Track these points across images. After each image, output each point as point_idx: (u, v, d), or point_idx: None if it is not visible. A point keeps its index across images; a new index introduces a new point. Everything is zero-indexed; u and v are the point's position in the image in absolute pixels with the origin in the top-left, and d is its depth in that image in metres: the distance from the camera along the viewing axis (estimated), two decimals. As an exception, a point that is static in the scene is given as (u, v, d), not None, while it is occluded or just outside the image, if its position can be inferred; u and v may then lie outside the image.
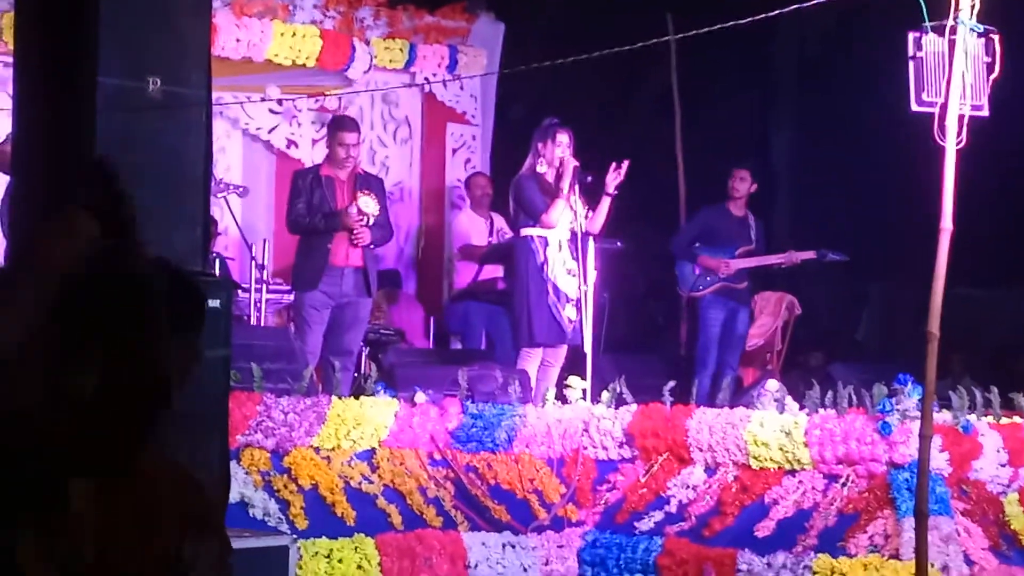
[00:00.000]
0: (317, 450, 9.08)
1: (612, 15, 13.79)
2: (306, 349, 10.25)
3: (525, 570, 9.29)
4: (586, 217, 10.73)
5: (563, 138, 10.68)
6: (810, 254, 12.41)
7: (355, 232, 10.48)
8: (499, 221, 12.57)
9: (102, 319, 2.41)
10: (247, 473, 8.70)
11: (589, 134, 11.59)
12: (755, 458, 9.40)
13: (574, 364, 10.76)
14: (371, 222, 10.61)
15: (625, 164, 10.65)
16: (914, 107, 7.95)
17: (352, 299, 10.59)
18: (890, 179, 14.92)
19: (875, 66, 10.73)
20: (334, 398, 9.28)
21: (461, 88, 13.77)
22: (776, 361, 13.15)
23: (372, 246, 10.71)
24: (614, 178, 10.68)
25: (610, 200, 10.71)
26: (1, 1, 11.07)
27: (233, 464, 8.36)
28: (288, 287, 11.41)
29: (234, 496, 8.33)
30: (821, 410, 9.43)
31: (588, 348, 10.60)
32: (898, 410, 9.01)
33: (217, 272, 10.70)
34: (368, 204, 10.64)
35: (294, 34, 12.19)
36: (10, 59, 7.04)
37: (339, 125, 10.93)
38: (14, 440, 2.37)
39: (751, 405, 9.88)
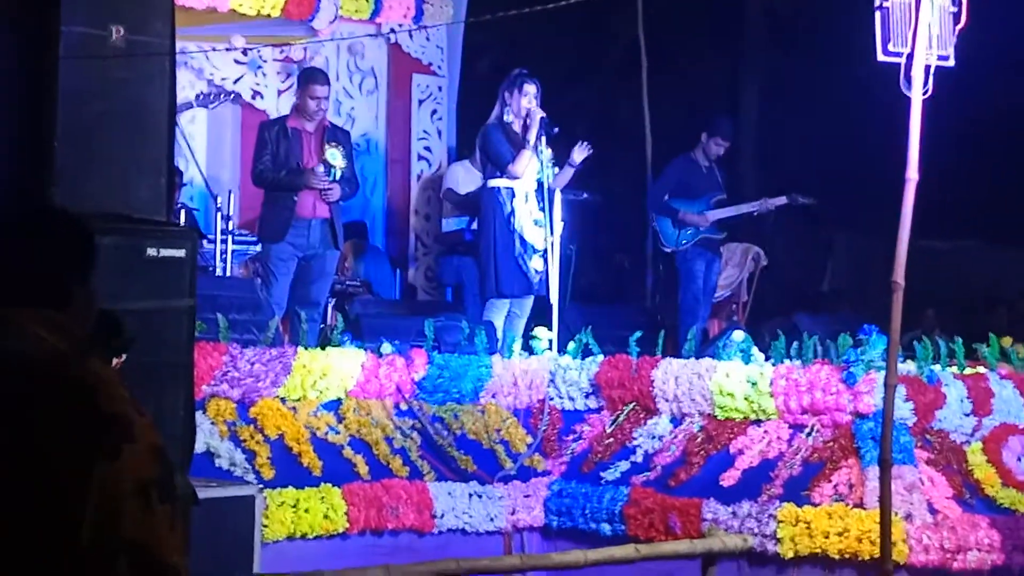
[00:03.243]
0: (283, 400, 9.08)
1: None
2: (272, 300, 10.23)
3: (491, 520, 9.32)
4: (555, 172, 10.75)
5: (530, 88, 10.67)
6: (782, 200, 12.48)
7: (324, 189, 10.46)
8: None
9: None
10: (213, 423, 8.69)
11: (556, 86, 11.58)
12: (721, 408, 9.44)
13: (541, 315, 10.78)
14: (339, 176, 10.58)
15: (588, 146, 10.75)
16: (880, 57, 7.95)
17: (319, 251, 10.56)
18: (856, 129, 14.97)
19: (842, 15, 10.73)
20: (300, 349, 9.27)
21: (427, 39, 13.70)
22: (742, 312, 13.19)
23: (340, 200, 10.69)
24: (581, 153, 10.74)
25: (573, 171, 10.82)
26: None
27: (199, 414, 8.35)
28: (254, 238, 11.37)
29: (200, 446, 8.32)
30: (786, 360, 9.47)
31: (555, 299, 10.61)
32: (863, 360, 9.05)
33: (182, 222, 10.67)
34: (335, 157, 10.60)
35: (259, -17, 12.10)
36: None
37: (310, 78, 10.87)
38: None
39: (717, 356, 9.91)
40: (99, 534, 2.56)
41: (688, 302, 12.05)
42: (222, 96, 11.74)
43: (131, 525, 2.59)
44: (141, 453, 2.68)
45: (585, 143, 10.81)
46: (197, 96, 11.75)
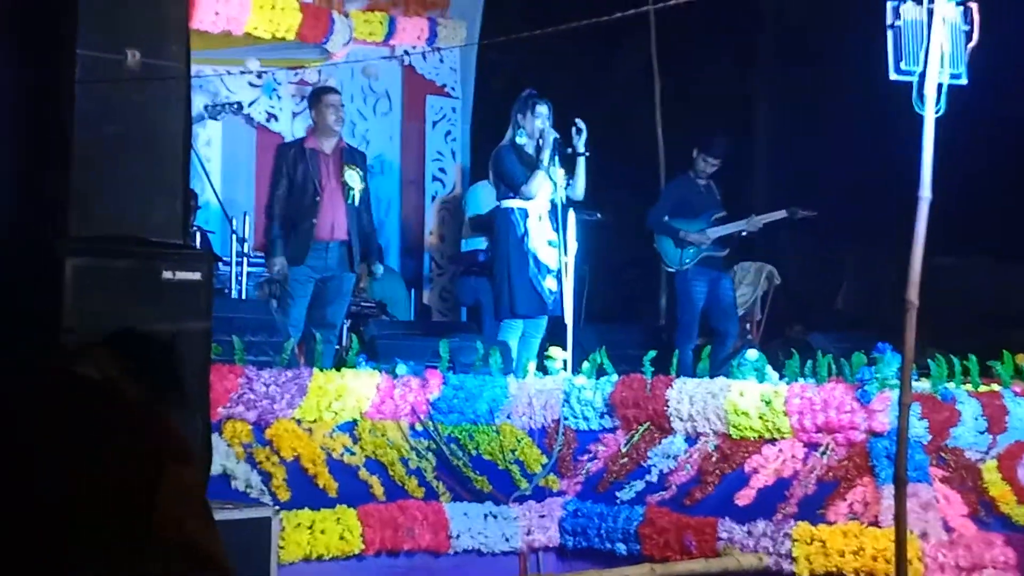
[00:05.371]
0: (299, 422, 9.09)
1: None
2: (289, 322, 10.26)
3: (507, 540, 9.33)
4: (566, 186, 10.76)
5: (542, 109, 10.70)
6: (780, 214, 12.44)
7: None
8: None
9: None
10: (229, 445, 8.71)
11: (569, 105, 11.60)
12: (735, 427, 9.44)
13: (555, 335, 10.79)
14: (357, 198, 10.62)
15: (582, 123, 10.67)
16: (893, 76, 7.96)
17: (336, 273, 10.59)
18: (869, 148, 14.95)
19: (854, 34, 10.74)
20: (316, 370, 9.29)
21: (441, 61, 13.77)
22: (756, 331, 13.20)
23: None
24: (580, 138, 10.71)
25: (585, 160, 10.76)
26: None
27: (215, 437, 8.37)
28: (270, 260, 11.40)
29: (216, 468, 8.34)
30: (801, 379, 9.47)
31: (569, 319, 10.63)
32: (877, 378, 9.05)
33: (198, 245, 10.71)
34: (354, 178, 10.65)
35: (273, 7, 12.12)
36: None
37: (321, 91, 10.97)
38: None
39: (731, 375, 9.92)
40: (166, 528, 2.73)
41: (684, 322, 12.04)
42: (226, 107, 11.76)
43: (193, 523, 2.77)
44: (199, 463, 2.90)
45: (576, 123, 10.71)
46: (205, 107, 11.80)
